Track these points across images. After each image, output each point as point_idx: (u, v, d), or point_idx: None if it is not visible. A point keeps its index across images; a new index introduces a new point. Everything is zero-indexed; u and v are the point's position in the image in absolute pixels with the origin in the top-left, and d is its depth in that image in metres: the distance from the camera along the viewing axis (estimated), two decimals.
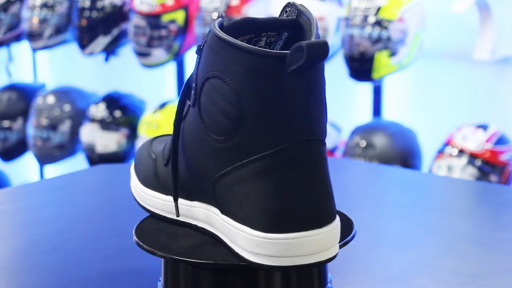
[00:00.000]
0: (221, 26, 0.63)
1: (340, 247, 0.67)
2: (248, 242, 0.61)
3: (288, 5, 0.64)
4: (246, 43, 0.62)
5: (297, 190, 0.60)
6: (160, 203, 0.72)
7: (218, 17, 0.64)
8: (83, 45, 2.47)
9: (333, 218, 0.61)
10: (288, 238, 0.60)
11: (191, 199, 0.68)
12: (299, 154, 0.60)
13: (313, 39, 0.60)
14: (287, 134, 0.60)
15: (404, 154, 2.02)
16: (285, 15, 0.64)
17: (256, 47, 0.60)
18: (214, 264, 0.64)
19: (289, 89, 0.59)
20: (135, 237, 0.69)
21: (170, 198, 0.70)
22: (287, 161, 0.60)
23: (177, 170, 0.68)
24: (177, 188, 0.68)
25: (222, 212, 0.64)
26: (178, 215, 0.69)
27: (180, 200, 0.69)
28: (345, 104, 2.41)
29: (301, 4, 0.64)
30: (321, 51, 0.58)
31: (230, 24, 0.63)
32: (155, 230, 0.70)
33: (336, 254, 0.62)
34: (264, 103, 0.60)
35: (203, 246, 0.66)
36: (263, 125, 0.60)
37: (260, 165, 0.60)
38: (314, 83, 0.60)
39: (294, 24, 0.64)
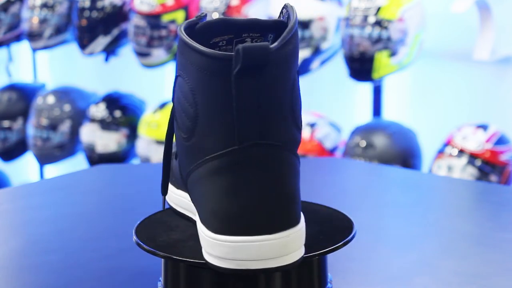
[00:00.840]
0: (192, 26, 0.63)
1: (340, 247, 0.67)
2: (204, 242, 0.62)
3: (284, 6, 0.64)
4: (225, 44, 0.63)
5: (246, 194, 0.59)
6: (171, 195, 0.73)
7: (198, 16, 0.64)
8: (83, 45, 2.47)
9: (289, 225, 0.60)
10: (235, 241, 0.59)
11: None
12: (249, 158, 0.59)
13: (277, 42, 0.59)
14: (236, 136, 0.59)
15: (404, 154, 2.02)
16: (281, 16, 0.64)
17: (206, 49, 0.59)
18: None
19: (237, 91, 0.58)
20: (135, 237, 0.69)
21: (180, 191, 0.71)
22: (237, 164, 0.59)
23: (169, 164, 0.70)
24: (166, 183, 0.71)
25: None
26: (163, 209, 0.73)
27: (183, 194, 0.70)
28: (345, 104, 2.41)
29: (291, 6, 0.63)
30: (259, 55, 0.57)
31: (203, 24, 0.63)
32: (155, 230, 0.70)
33: (295, 262, 0.60)
34: (215, 103, 0.60)
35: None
36: (214, 125, 0.60)
37: (213, 165, 0.60)
38: (269, 86, 0.59)
39: (277, 26, 0.64)
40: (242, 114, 0.59)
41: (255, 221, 0.59)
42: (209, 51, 0.59)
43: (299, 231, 0.61)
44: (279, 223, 0.59)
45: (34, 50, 2.65)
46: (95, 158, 2.49)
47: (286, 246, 0.60)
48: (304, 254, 0.65)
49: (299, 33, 2.06)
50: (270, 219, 0.59)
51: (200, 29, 0.64)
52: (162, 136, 2.31)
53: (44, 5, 2.54)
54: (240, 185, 0.59)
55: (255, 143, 0.59)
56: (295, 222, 0.60)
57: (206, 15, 0.66)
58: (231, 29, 0.64)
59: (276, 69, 0.59)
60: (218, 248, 0.60)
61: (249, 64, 0.57)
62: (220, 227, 0.60)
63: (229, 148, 0.59)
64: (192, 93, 0.61)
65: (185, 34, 0.62)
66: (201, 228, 0.62)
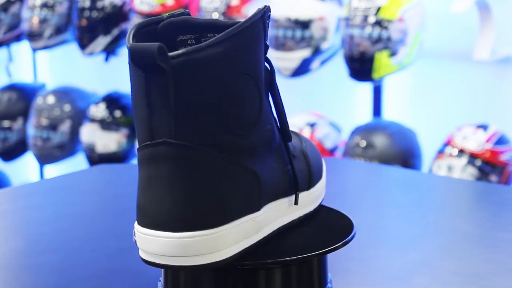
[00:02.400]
0: (156, 23, 0.63)
1: (340, 247, 0.67)
2: None
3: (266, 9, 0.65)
4: (194, 42, 0.63)
5: (153, 190, 0.60)
6: None
7: (165, 18, 0.64)
8: (83, 45, 2.47)
9: (189, 227, 0.60)
10: (143, 233, 0.61)
11: None
12: (158, 155, 0.60)
13: (207, 41, 0.59)
14: (149, 132, 0.60)
15: (404, 154, 2.02)
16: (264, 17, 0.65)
17: (130, 42, 0.60)
18: (214, 264, 0.64)
19: (146, 87, 0.59)
20: (135, 237, 0.69)
21: None
22: (149, 159, 0.60)
23: None
24: None
25: None
26: None
27: None
28: (345, 104, 2.41)
29: (263, 7, 0.64)
30: (146, 55, 0.57)
31: (167, 22, 0.63)
32: None
33: (200, 266, 0.60)
34: (135, 97, 0.61)
35: None
36: (137, 118, 0.61)
37: (138, 156, 0.62)
38: (181, 87, 0.59)
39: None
40: (153, 111, 0.59)
41: (158, 217, 0.60)
42: (130, 44, 0.59)
43: (205, 236, 0.60)
44: (180, 223, 0.60)
45: (34, 50, 2.65)
46: (95, 158, 2.49)
47: (187, 248, 0.60)
48: (304, 254, 0.65)
49: (299, 33, 2.06)
50: (171, 218, 0.60)
51: (165, 27, 0.64)
52: None
53: (44, 5, 2.54)
54: (149, 180, 0.60)
55: (165, 141, 0.59)
56: (200, 227, 0.60)
57: (185, 12, 0.65)
58: (193, 28, 0.64)
59: (193, 71, 0.59)
60: (137, 237, 0.62)
61: (137, 63, 0.58)
62: (137, 217, 0.62)
63: (145, 142, 0.60)
64: (130, 84, 0.62)
65: (132, 32, 0.62)
66: None
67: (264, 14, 0.63)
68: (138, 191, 0.61)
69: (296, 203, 0.69)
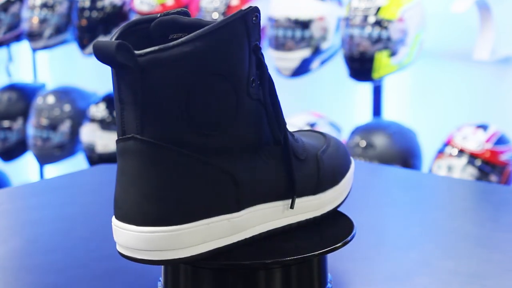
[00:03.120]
0: (150, 21, 0.65)
1: (340, 247, 0.67)
2: None
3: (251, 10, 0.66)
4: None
5: (120, 183, 0.63)
6: None
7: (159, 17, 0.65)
8: (83, 45, 2.47)
9: (145, 223, 0.61)
10: (113, 223, 0.63)
11: None
12: (126, 150, 0.62)
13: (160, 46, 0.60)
14: (118, 126, 0.63)
15: (404, 154, 2.02)
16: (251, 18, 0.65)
17: (112, 40, 0.61)
18: (214, 264, 0.64)
19: (114, 82, 0.61)
20: None
21: None
22: (120, 153, 0.63)
23: None
24: None
25: None
26: None
27: None
28: (345, 104, 2.41)
29: (246, 8, 0.64)
30: (105, 52, 0.59)
31: (157, 21, 0.64)
32: None
33: (158, 261, 0.62)
34: (113, 92, 0.63)
35: None
36: (115, 113, 0.63)
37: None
38: (148, 85, 0.60)
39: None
40: (124, 107, 0.61)
41: (126, 210, 0.62)
42: (97, 41, 0.60)
43: (168, 233, 0.61)
44: (144, 217, 0.61)
45: (34, 50, 2.65)
46: (95, 158, 2.49)
47: (150, 242, 0.61)
48: (304, 254, 0.65)
49: (299, 33, 2.06)
50: (136, 212, 0.61)
51: (156, 25, 0.65)
52: None
53: (44, 5, 2.54)
54: (121, 173, 0.63)
55: (133, 136, 0.61)
56: (163, 223, 0.61)
57: (181, 11, 0.66)
58: (180, 28, 0.65)
59: (160, 69, 0.60)
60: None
61: (101, 59, 0.59)
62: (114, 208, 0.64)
63: (118, 137, 0.63)
64: None
65: (121, 28, 0.63)
66: None
67: (245, 15, 0.63)
68: (115, 183, 0.64)
69: (291, 207, 0.68)
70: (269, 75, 0.67)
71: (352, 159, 0.79)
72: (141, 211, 0.61)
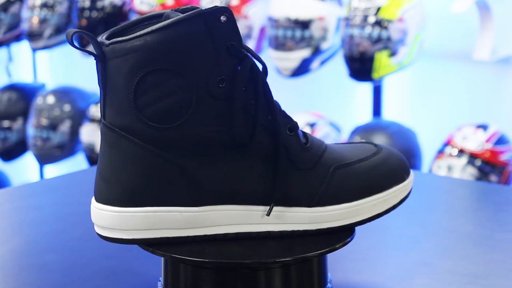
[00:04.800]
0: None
1: (340, 247, 0.67)
2: None
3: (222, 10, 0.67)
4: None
5: (97, 164, 0.68)
6: None
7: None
8: (83, 45, 2.47)
9: (103, 201, 0.67)
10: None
11: None
12: (101, 133, 0.67)
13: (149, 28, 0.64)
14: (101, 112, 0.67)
15: (404, 154, 2.01)
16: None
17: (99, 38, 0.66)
18: (214, 263, 0.64)
19: (96, 71, 0.66)
20: None
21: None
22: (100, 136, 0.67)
23: None
24: None
25: None
26: None
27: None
28: (345, 104, 2.41)
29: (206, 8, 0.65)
30: (67, 40, 0.64)
31: (165, 16, 0.66)
32: None
33: (98, 234, 0.68)
34: None
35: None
36: None
37: None
38: (109, 74, 0.64)
39: None
40: (101, 92, 0.66)
41: (95, 189, 0.68)
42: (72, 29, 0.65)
43: (113, 213, 0.66)
44: (98, 195, 0.67)
45: (34, 50, 2.65)
46: (95, 158, 2.49)
47: (100, 218, 0.67)
48: (304, 254, 0.65)
49: (299, 33, 2.06)
50: (96, 189, 0.68)
51: (165, 19, 0.66)
52: None
53: (44, 5, 2.54)
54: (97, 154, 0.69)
55: (103, 122, 0.66)
56: (111, 202, 0.66)
57: (193, 7, 0.67)
58: None
59: (116, 60, 0.64)
60: None
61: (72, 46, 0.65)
62: None
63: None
64: None
65: (133, 19, 0.68)
66: None
67: (204, 14, 0.63)
68: None
69: (267, 214, 0.66)
70: (262, 78, 0.66)
71: (407, 180, 0.72)
72: (98, 188, 0.67)
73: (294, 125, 0.68)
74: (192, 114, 0.64)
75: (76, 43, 0.64)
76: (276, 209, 0.67)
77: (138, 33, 0.63)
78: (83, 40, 2.47)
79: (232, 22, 0.65)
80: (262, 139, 0.66)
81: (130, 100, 0.64)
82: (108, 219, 0.66)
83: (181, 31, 0.63)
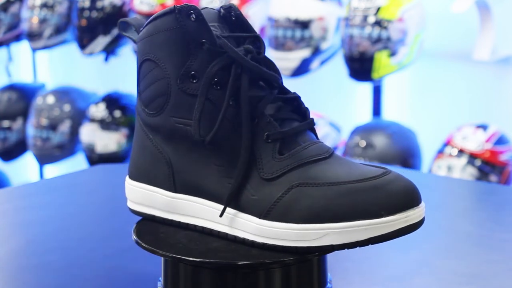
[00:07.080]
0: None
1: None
2: None
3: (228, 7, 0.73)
4: None
5: None
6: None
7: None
8: (83, 45, 2.47)
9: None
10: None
11: None
12: None
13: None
14: None
15: (404, 154, 2.02)
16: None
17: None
18: (214, 263, 0.64)
19: None
20: (134, 236, 0.69)
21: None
22: None
23: None
24: None
25: None
26: None
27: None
28: (345, 104, 2.41)
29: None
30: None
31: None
32: (154, 229, 0.70)
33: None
34: None
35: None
36: None
37: None
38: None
39: None
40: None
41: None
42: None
43: (126, 184, 0.73)
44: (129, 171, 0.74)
45: (34, 50, 2.65)
46: (95, 158, 2.49)
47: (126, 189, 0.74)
48: (304, 254, 0.64)
49: (299, 33, 2.06)
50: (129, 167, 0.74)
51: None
52: None
53: (44, 5, 2.54)
54: None
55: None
56: (130, 176, 0.73)
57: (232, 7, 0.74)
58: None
59: (137, 45, 0.71)
60: None
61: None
62: None
63: None
64: None
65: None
66: None
67: (176, 11, 0.67)
68: None
69: (220, 215, 0.65)
70: (245, 79, 0.65)
71: (382, 220, 0.62)
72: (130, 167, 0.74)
73: (273, 134, 0.65)
74: (169, 105, 0.68)
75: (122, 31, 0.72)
76: (230, 212, 0.66)
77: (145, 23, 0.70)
78: (82, 40, 2.47)
79: (201, 20, 0.67)
80: (235, 141, 0.65)
81: (137, 83, 0.71)
82: (126, 189, 0.74)
83: (159, 26, 0.68)
